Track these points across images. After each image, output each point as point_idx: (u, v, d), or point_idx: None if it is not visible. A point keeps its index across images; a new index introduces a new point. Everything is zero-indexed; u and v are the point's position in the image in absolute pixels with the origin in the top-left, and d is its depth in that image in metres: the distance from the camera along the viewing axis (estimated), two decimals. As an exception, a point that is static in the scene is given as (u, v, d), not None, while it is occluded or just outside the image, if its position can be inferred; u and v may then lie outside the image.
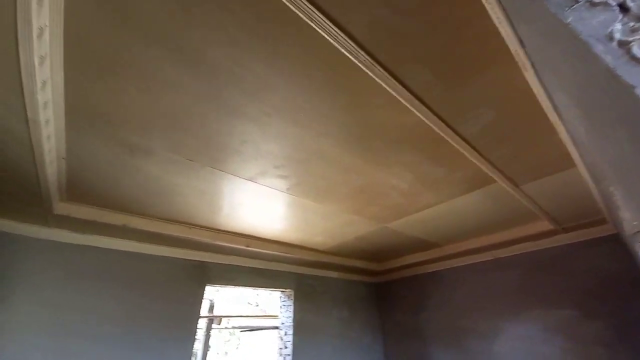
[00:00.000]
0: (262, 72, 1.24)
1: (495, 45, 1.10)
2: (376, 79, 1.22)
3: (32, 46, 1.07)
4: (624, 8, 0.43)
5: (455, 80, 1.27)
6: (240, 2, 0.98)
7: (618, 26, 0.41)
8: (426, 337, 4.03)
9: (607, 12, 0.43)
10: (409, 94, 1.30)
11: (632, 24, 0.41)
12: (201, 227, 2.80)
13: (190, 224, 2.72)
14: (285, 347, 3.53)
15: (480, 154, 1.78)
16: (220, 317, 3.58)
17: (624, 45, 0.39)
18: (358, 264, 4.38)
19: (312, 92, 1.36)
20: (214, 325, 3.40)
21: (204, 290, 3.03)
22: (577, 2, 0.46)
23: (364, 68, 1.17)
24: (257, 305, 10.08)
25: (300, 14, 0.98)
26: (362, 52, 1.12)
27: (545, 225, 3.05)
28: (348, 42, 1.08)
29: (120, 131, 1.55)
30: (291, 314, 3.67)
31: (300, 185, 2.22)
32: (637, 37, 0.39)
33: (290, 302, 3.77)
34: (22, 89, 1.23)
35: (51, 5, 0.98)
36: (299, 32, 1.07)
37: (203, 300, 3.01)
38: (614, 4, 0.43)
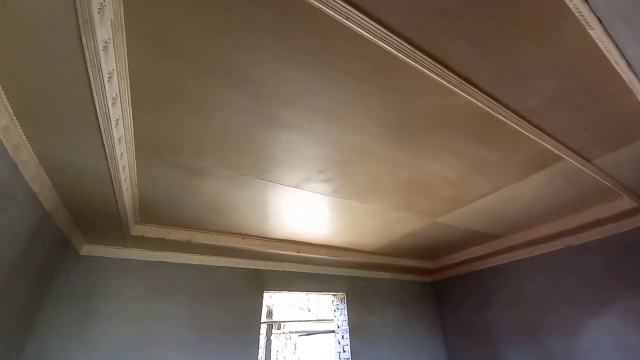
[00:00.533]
0: (303, 79, 1.28)
1: (551, 5, 1.00)
2: (417, 66, 1.18)
3: (104, 90, 1.23)
4: None
5: (506, 52, 1.17)
6: (274, 15, 1.03)
7: None
8: (495, 336, 3.72)
9: None
10: (455, 77, 1.24)
11: None
12: (254, 236, 2.93)
13: (244, 234, 2.87)
14: (344, 351, 3.51)
15: (542, 130, 1.61)
16: (280, 322, 3.69)
17: None
18: (410, 263, 4.22)
19: (352, 90, 1.36)
20: (273, 331, 3.53)
21: (262, 296, 3.17)
22: None
23: (404, 57, 1.15)
24: (309, 310, 10.23)
25: (335, 14, 0.99)
26: (401, 41, 1.10)
27: (626, 202, 2.65)
28: (386, 34, 1.07)
29: (180, 156, 1.71)
30: (346, 317, 3.66)
31: (345, 187, 2.22)
32: None
33: (344, 305, 3.76)
34: (99, 129, 1.42)
35: (116, 51, 1.12)
36: (334, 31, 1.08)
37: (262, 306, 3.14)
38: None
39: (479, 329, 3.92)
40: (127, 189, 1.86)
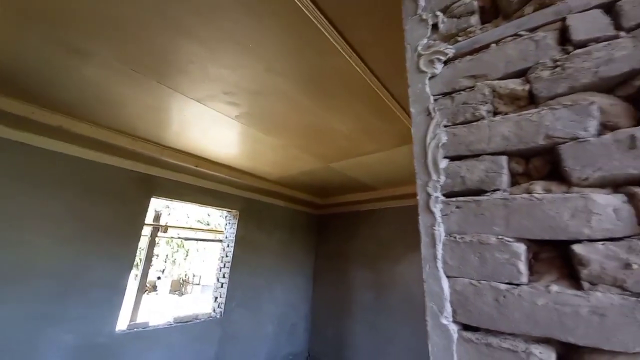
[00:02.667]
0: (211, -6, 1.24)
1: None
2: (318, 25, 1.31)
3: None
4: (435, 27, 0.63)
5: (392, 45, 1.41)
6: None
7: (424, 41, 0.62)
8: (350, 260, 4.89)
9: (425, 28, 0.63)
10: (348, 48, 1.42)
11: (431, 42, 0.61)
12: (147, 140, 2.82)
13: (135, 136, 2.72)
14: (227, 256, 4.04)
15: (409, 115, 2.04)
16: (166, 226, 3.84)
17: (418, 56, 0.60)
18: (303, 196, 4.84)
19: (264, 27, 1.40)
20: (159, 234, 3.71)
21: (149, 201, 3.20)
22: (415, 14, 0.65)
23: (306, 12, 1.25)
24: (208, 224, 10.67)
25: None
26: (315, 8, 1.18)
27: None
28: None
29: (60, 30, 1.45)
30: (234, 231, 4.10)
31: (250, 115, 2.33)
32: (428, 52, 0.60)
33: (235, 221, 4.17)
34: None
35: None
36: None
37: (148, 210, 3.21)
38: (430, 22, 0.62)
39: (340, 255, 5.04)
40: (-30, 44, 1.50)
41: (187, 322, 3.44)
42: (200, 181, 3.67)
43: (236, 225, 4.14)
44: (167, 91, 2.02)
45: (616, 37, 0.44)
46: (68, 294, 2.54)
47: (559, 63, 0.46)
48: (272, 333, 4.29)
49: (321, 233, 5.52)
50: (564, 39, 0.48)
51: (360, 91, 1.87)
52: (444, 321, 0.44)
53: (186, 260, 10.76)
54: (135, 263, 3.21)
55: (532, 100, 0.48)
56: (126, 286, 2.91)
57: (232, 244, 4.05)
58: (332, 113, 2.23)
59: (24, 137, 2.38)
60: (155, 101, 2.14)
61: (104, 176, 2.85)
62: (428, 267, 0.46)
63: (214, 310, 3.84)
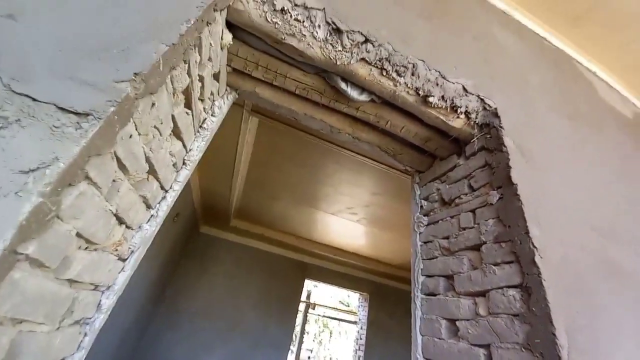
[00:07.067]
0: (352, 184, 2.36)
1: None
2: (399, 173, 2.14)
3: (241, 156, 2.51)
4: (422, 207, 1.33)
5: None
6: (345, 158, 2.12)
7: (417, 214, 1.32)
8: None
9: (417, 206, 1.34)
10: (418, 181, 2.15)
11: (419, 215, 1.31)
12: (304, 238, 4.15)
13: (298, 236, 4.11)
14: (360, 339, 4.50)
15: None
16: (314, 303, 4.88)
17: (413, 222, 1.31)
18: (430, 282, 4.90)
19: (363, 175, 2.38)
20: (310, 311, 4.70)
21: (304, 282, 4.38)
22: (414, 199, 1.37)
23: (386, 169, 2.12)
24: (348, 305, 11.31)
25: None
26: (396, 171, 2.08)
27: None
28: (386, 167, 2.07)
29: (269, 190, 2.98)
30: (366, 314, 4.62)
31: (365, 219, 3.22)
32: (417, 221, 1.30)
33: (366, 304, 4.72)
34: (232, 175, 2.75)
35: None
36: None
37: (303, 289, 4.37)
38: (419, 205, 1.34)
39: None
40: (232, 201, 3.24)
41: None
42: (337, 267, 4.66)
43: (367, 308, 4.67)
44: (315, 211, 3.25)
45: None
46: (255, 349, 3.74)
47: (460, 238, 1.07)
48: None
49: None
50: (460, 226, 1.09)
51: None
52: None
53: (330, 342, 11.39)
54: (292, 340, 4.24)
55: (450, 251, 1.08)
56: (289, 349, 3.90)
57: (365, 327, 4.53)
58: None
59: (246, 241, 4.17)
60: (310, 216, 3.42)
61: (276, 263, 4.30)
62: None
63: (351, 392, 4.18)
